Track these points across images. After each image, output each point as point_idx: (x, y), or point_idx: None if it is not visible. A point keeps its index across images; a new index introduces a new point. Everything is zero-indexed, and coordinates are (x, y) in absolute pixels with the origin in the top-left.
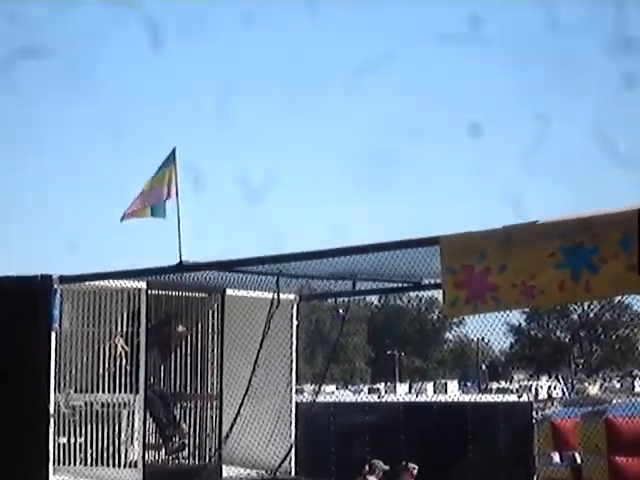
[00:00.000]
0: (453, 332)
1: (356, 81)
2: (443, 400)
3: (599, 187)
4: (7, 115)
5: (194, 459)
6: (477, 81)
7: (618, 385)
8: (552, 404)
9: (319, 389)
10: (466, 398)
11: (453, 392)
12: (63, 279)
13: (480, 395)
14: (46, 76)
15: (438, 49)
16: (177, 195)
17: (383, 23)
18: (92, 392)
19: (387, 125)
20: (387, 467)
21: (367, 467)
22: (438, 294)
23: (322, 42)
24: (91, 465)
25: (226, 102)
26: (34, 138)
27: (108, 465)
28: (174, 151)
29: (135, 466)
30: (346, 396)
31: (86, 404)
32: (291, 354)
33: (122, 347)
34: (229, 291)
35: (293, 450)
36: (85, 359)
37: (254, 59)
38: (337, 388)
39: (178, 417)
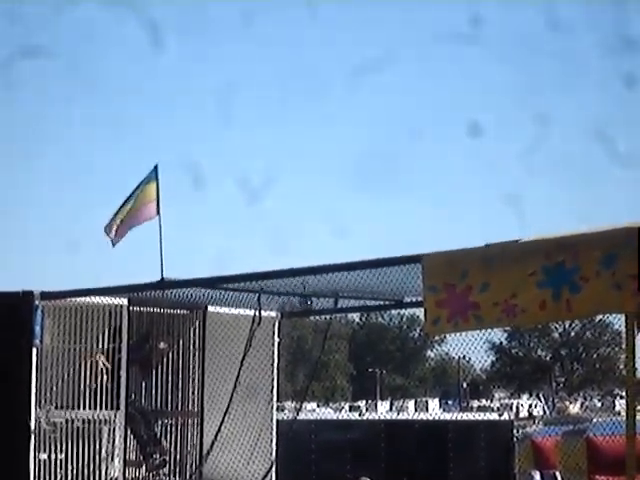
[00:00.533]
0: (435, 350)
1: (356, 81)
2: (424, 418)
3: (599, 187)
4: (7, 115)
5: (175, 476)
6: (477, 81)
7: (599, 404)
8: (533, 422)
9: (300, 406)
10: (447, 416)
11: (434, 410)
12: (45, 295)
13: (461, 413)
14: (46, 76)
15: (438, 49)
16: (159, 213)
17: (383, 23)
18: (73, 408)
19: (387, 125)
20: None
21: None
22: (420, 312)
23: (322, 42)
24: None
25: (226, 102)
26: (33, 138)
27: None
28: (156, 168)
29: None
30: (327, 414)
31: (67, 420)
32: (272, 371)
33: (103, 364)
34: (211, 308)
35: (274, 467)
36: (66, 375)
37: (254, 59)
38: (318, 405)
39: (159, 434)
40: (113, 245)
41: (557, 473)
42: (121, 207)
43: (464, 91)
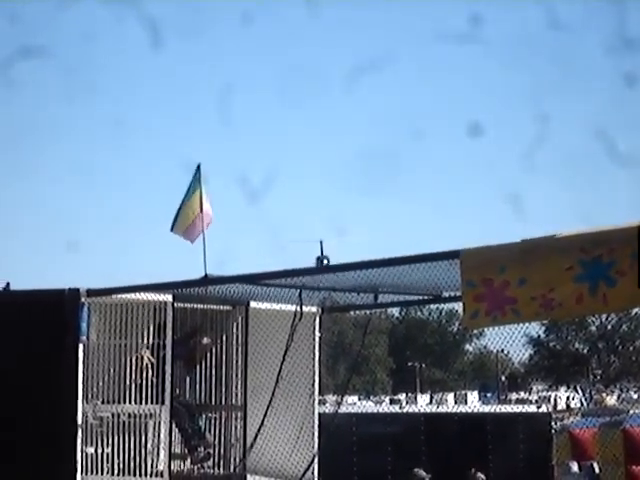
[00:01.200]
0: (473, 344)
1: (356, 80)
2: (463, 411)
3: (599, 187)
4: (6, 115)
5: (219, 469)
6: (477, 81)
7: (635, 396)
8: (570, 414)
9: (341, 400)
10: (486, 409)
11: (473, 403)
12: (90, 292)
13: (500, 406)
14: (45, 76)
15: (438, 49)
16: (201, 211)
17: (383, 22)
18: (119, 403)
19: (387, 124)
20: (429, 475)
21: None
22: (458, 306)
23: (322, 41)
24: (118, 475)
25: (226, 102)
26: (33, 138)
27: (135, 475)
28: (199, 168)
29: (161, 476)
30: (368, 407)
31: (113, 415)
32: (314, 366)
33: (148, 359)
34: (253, 304)
35: (316, 460)
36: (112, 371)
37: (254, 58)
38: (359, 399)
39: (203, 427)
40: (192, 242)
41: (595, 464)
42: (180, 208)
43: (464, 91)
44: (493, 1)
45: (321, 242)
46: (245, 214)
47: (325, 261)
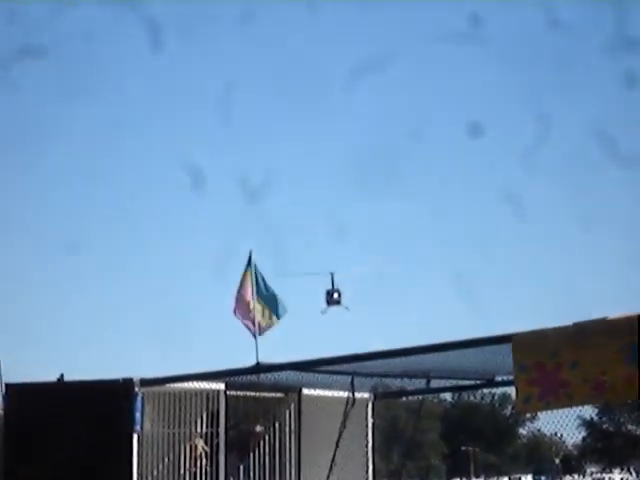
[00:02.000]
0: (526, 427)
1: (356, 80)
2: None
3: (599, 187)
4: (6, 115)
5: None
6: (477, 81)
7: None
8: None
9: None
10: None
11: None
12: (144, 382)
13: None
14: (45, 76)
15: (438, 48)
16: (253, 298)
17: (383, 22)
18: None
19: (387, 125)
20: None
21: None
22: (511, 390)
23: (322, 41)
24: None
25: (226, 101)
26: (33, 139)
27: None
28: (250, 255)
29: None
30: None
31: None
32: (367, 452)
33: (202, 447)
34: (305, 390)
35: None
36: (166, 460)
37: (254, 58)
38: None
39: None
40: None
41: None
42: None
43: (464, 91)
44: (493, 1)
45: (332, 275)
46: (244, 213)
47: (336, 294)
